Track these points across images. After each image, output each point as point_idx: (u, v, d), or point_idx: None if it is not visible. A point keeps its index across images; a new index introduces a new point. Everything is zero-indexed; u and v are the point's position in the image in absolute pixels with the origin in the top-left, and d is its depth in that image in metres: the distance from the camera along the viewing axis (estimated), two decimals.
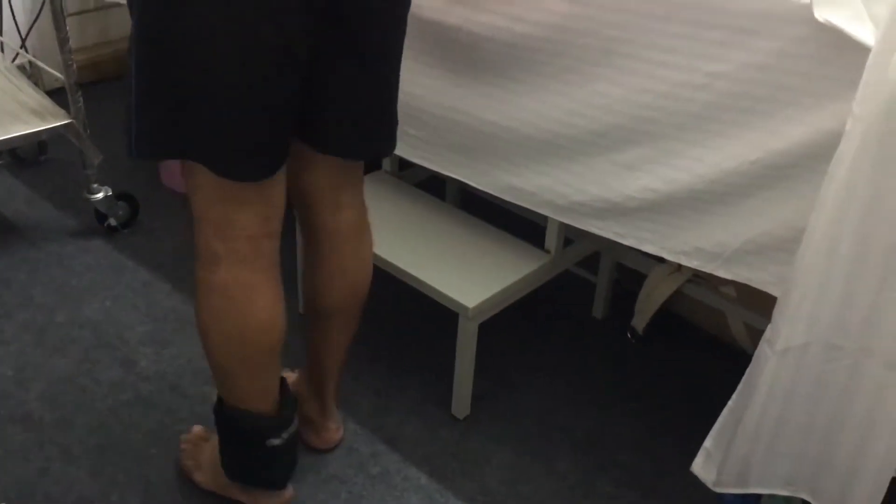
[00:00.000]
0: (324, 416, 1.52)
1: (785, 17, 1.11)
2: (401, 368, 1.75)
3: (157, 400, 1.63)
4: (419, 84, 1.52)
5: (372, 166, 1.87)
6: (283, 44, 1.05)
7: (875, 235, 1.08)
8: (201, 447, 1.47)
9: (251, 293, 1.20)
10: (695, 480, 1.31)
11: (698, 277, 1.75)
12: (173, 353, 1.74)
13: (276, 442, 1.29)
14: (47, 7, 1.84)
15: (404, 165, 1.88)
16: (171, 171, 2.25)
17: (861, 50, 1.03)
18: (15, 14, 2.27)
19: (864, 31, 1.05)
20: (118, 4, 2.41)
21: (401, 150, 1.64)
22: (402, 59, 1.26)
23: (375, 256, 1.41)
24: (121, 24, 2.77)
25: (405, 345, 1.82)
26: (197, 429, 1.51)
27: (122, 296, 1.89)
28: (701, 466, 1.31)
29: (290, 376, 1.56)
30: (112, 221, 2.07)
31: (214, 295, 1.20)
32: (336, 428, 1.55)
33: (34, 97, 2.01)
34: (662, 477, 1.54)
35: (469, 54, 1.44)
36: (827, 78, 1.11)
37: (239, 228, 1.16)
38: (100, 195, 2.03)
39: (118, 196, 2.06)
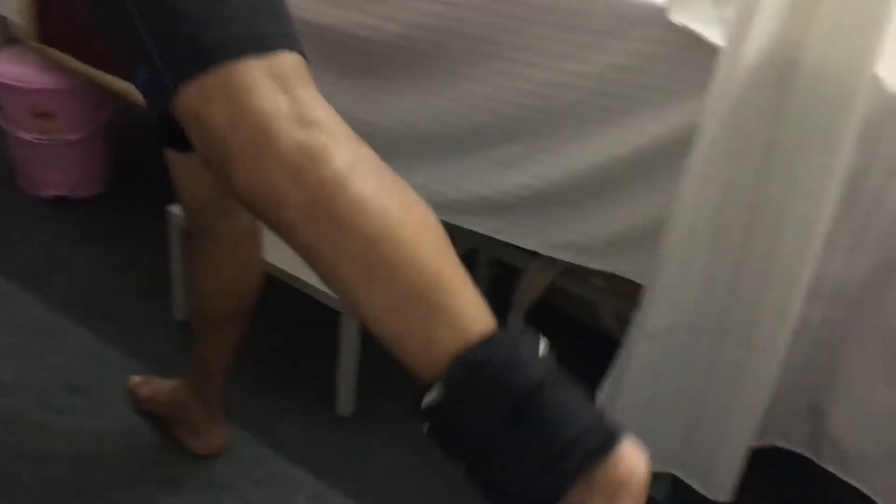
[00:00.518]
0: (207, 420, 1.50)
1: (642, 19, 1.18)
2: (285, 370, 1.74)
3: (22, 415, 1.55)
4: None
5: None
6: None
7: (729, 224, 1.17)
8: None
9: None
10: None
11: (570, 270, 1.82)
12: (38, 366, 1.66)
13: None
14: None
15: None
16: (29, 176, 2.14)
17: (712, 50, 1.11)
18: None
19: (714, 33, 1.13)
20: None
21: None
22: None
23: None
24: None
25: (288, 345, 1.81)
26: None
27: None
28: None
29: (167, 384, 1.53)
30: None
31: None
32: (219, 433, 1.52)
33: None
34: None
35: (342, 54, 1.45)
36: (682, 77, 1.19)
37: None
38: None
39: None
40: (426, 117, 1.42)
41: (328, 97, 1.65)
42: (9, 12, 2.00)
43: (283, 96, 0.74)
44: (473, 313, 0.71)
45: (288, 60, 0.77)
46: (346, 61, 1.45)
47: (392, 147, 1.49)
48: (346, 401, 1.63)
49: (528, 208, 1.40)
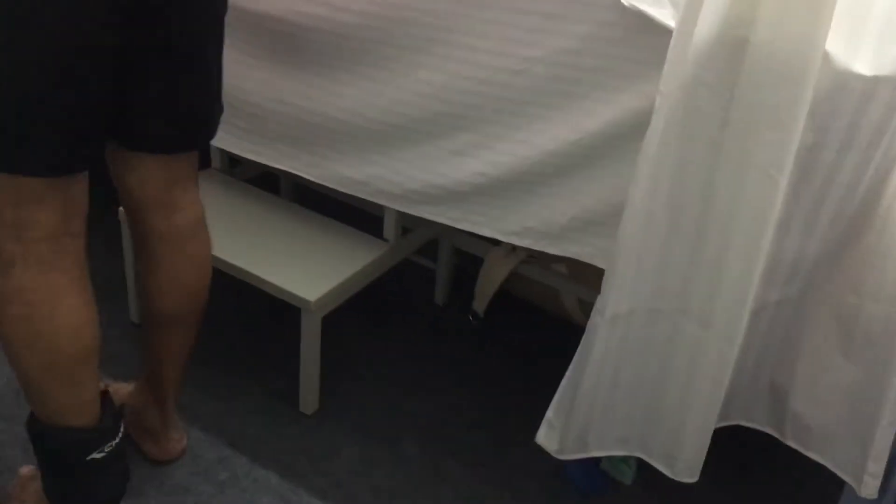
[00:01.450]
0: (165, 425, 1.46)
1: (593, 2, 1.17)
2: (246, 369, 1.71)
3: None
4: (245, 77, 1.48)
5: (201, 164, 1.81)
6: (79, 43, 1.00)
7: (685, 205, 1.16)
8: (28, 486, 1.36)
9: (54, 296, 1.12)
10: (540, 451, 1.36)
11: (532, 258, 1.81)
12: None
13: (97, 456, 1.21)
14: None
15: (234, 162, 1.83)
16: None
17: (664, 32, 1.10)
18: None
19: (664, 14, 1.13)
20: None
21: (230, 144, 1.60)
22: (230, 51, 1.22)
23: (212, 257, 1.37)
24: None
25: (248, 345, 1.78)
26: (25, 470, 1.39)
27: None
28: (544, 437, 1.37)
29: (125, 387, 1.49)
30: None
31: (14, 302, 1.12)
32: (178, 437, 1.49)
33: None
34: (508, 452, 1.59)
35: (294, 45, 1.43)
36: (634, 60, 1.18)
37: (37, 228, 1.09)
38: None
39: None
40: (377, 107, 1.40)
41: (279, 90, 1.64)
42: None
43: None
44: None
45: None
46: (295, 52, 1.43)
47: (344, 138, 1.47)
48: (308, 398, 1.61)
49: (484, 196, 1.38)
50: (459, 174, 1.38)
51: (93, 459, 1.22)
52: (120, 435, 1.26)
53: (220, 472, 1.48)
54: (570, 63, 1.21)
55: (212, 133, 1.26)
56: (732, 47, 1.06)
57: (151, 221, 1.26)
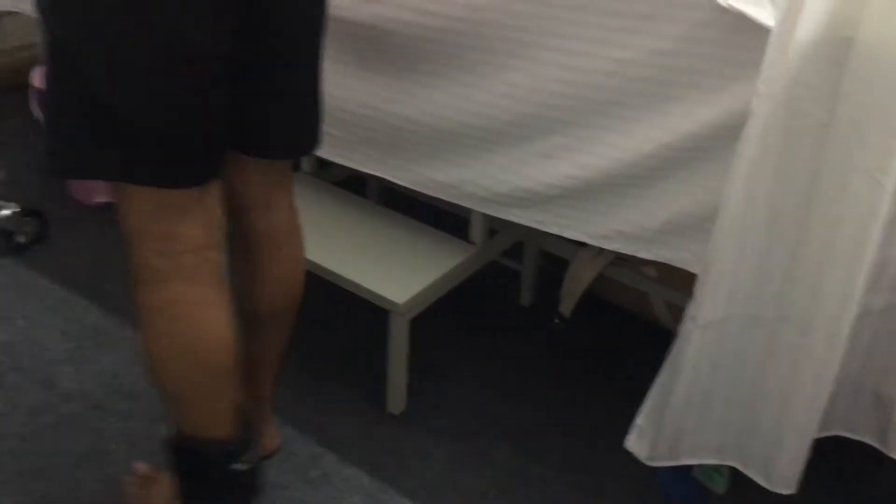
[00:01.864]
0: (261, 423, 1.50)
1: (687, 2, 1.15)
2: (335, 369, 1.74)
3: (81, 420, 1.58)
4: (338, 83, 1.51)
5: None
6: (208, 49, 1.03)
7: (784, 208, 1.13)
8: (151, 490, 1.39)
9: (202, 310, 1.13)
10: (629, 457, 1.34)
11: (620, 259, 1.79)
12: (96, 371, 1.69)
13: (239, 467, 1.23)
14: None
15: (323, 165, 1.87)
16: (81, 184, 2.17)
17: (762, 31, 1.07)
18: None
19: (763, 13, 1.09)
20: (12, 13, 2.30)
21: (322, 150, 1.63)
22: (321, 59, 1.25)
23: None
24: (16, 31, 2.66)
25: (337, 346, 1.81)
26: (141, 469, 1.43)
27: (36, 315, 1.82)
28: (634, 442, 1.35)
29: None
30: (20, 239, 1.99)
31: (161, 316, 1.13)
32: (273, 435, 1.53)
33: None
34: (597, 456, 1.57)
35: (384, 51, 1.44)
36: (731, 60, 1.15)
37: (182, 241, 1.10)
38: (6, 212, 1.95)
39: (26, 213, 1.99)
40: (468, 112, 1.40)
41: (369, 95, 1.66)
42: None
43: None
44: None
45: None
46: (385, 58, 1.44)
47: (433, 142, 1.48)
48: (396, 399, 1.63)
49: (573, 199, 1.37)
50: (549, 177, 1.37)
51: (235, 469, 1.23)
52: (258, 446, 1.29)
53: (312, 470, 1.51)
54: (664, 64, 1.19)
55: (320, 138, 1.28)
56: (837, 47, 1.02)
57: (252, 221, 1.29)
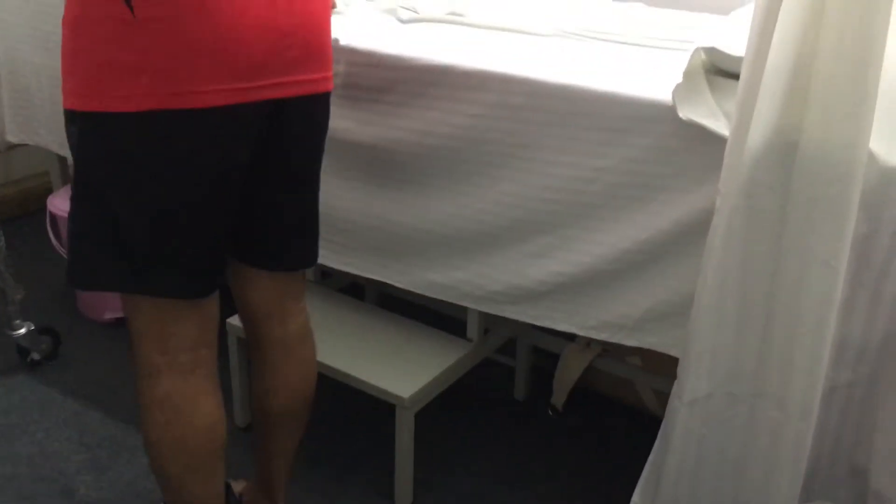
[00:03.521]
0: None
1: (653, 117, 1.31)
2: (344, 464, 1.81)
3: None
4: (343, 197, 1.65)
5: None
6: (222, 172, 1.17)
7: (752, 295, 1.26)
8: None
9: (194, 401, 1.27)
10: None
11: (606, 352, 1.91)
12: (112, 478, 1.75)
13: None
14: None
15: (325, 274, 1.99)
16: (89, 302, 2.28)
17: (719, 140, 1.23)
18: None
19: (719, 124, 1.26)
20: (22, 145, 2.46)
21: (327, 259, 1.76)
22: (328, 176, 1.39)
23: None
24: (24, 163, 2.81)
25: (346, 442, 1.89)
26: None
27: (53, 428, 1.90)
28: None
29: (240, 485, 1.61)
30: (35, 356, 2.08)
31: (158, 407, 1.26)
32: None
33: None
34: None
35: (385, 167, 1.60)
36: (696, 165, 1.31)
37: (179, 341, 1.24)
38: (22, 331, 2.05)
39: (41, 330, 2.08)
40: (463, 217, 1.54)
41: (372, 207, 1.81)
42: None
43: None
44: None
45: None
46: (386, 173, 1.59)
47: (432, 247, 1.61)
48: (404, 492, 1.70)
49: (562, 294, 1.50)
50: (539, 274, 1.50)
51: None
52: None
53: None
54: (637, 170, 1.35)
55: (316, 254, 1.42)
56: (784, 151, 1.18)
57: (267, 329, 1.41)
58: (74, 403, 1.98)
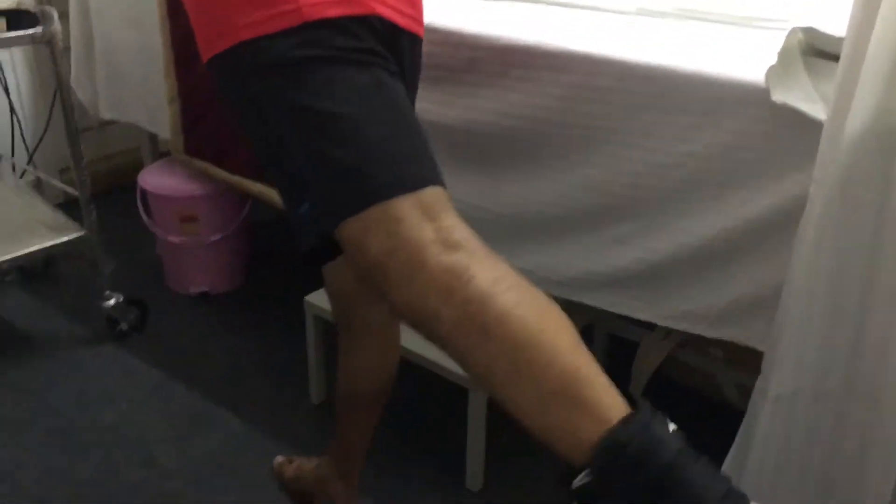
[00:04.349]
0: (348, 497, 1.58)
1: (744, 100, 1.26)
2: (416, 446, 1.82)
3: (181, 495, 1.69)
4: None
5: None
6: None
7: (846, 285, 1.20)
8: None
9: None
10: None
11: (687, 342, 1.85)
12: (192, 449, 1.80)
13: None
14: (52, 125, 1.96)
15: None
16: (176, 275, 2.34)
17: (815, 125, 1.17)
18: (24, 133, 2.39)
19: (816, 108, 1.20)
20: (115, 122, 2.54)
21: None
22: None
23: None
24: (116, 139, 2.90)
25: (420, 423, 1.89)
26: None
27: (138, 397, 1.96)
28: None
29: (310, 462, 1.63)
30: (123, 326, 2.15)
31: (449, 276, 0.97)
32: None
33: (46, 212, 2.12)
34: None
35: (463, 149, 1.58)
36: (788, 150, 1.25)
37: (444, 219, 0.99)
38: (112, 301, 2.12)
39: (129, 301, 2.15)
40: (542, 201, 1.51)
41: (454, 188, 1.78)
42: (160, 130, 2.25)
43: (429, 225, 0.91)
44: (609, 401, 0.85)
45: (431, 193, 0.95)
46: (468, 156, 1.58)
47: (511, 231, 1.59)
48: (474, 476, 1.70)
49: (642, 282, 1.46)
50: (619, 261, 1.46)
51: None
52: None
53: None
54: (726, 156, 1.29)
55: None
56: (885, 138, 1.11)
57: (357, 308, 1.41)
58: (159, 374, 2.03)
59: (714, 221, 1.34)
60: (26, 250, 1.96)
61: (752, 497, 1.31)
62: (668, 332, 1.85)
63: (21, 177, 2.42)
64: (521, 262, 1.60)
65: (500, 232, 1.60)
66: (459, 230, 0.95)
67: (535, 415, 0.88)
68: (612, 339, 1.99)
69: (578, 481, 0.82)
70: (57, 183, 2.20)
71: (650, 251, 1.43)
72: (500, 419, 1.67)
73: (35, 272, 2.42)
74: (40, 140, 2.42)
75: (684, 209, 1.36)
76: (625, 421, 0.83)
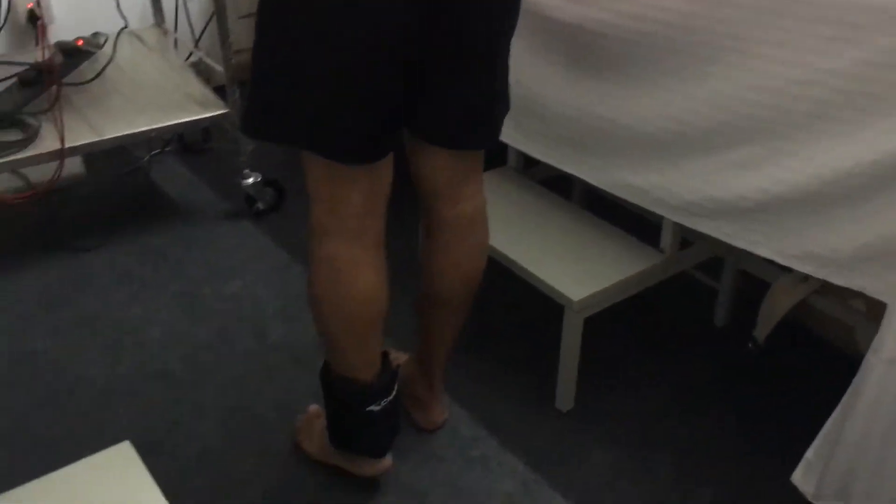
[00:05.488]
0: (431, 397, 1.59)
1: None
2: (509, 358, 1.79)
3: (281, 370, 1.76)
4: (539, 79, 1.55)
5: (497, 161, 1.92)
6: (390, 40, 1.12)
7: None
8: (314, 423, 1.57)
9: (356, 267, 1.28)
10: (796, 494, 1.27)
11: (827, 289, 1.67)
12: (301, 329, 1.86)
13: (374, 408, 1.37)
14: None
15: (529, 163, 1.92)
16: None
17: None
18: (190, 17, 2.49)
19: None
20: (244, 16, 2.57)
21: (521, 144, 1.68)
22: (527, 54, 1.29)
23: (490, 247, 1.46)
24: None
25: (514, 335, 1.86)
26: (313, 408, 1.60)
27: (262, 274, 2.04)
28: (801, 477, 1.27)
29: (402, 356, 1.64)
30: (260, 205, 2.23)
31: (323, 266, 1.29)
32: (441, 410, 1.61)
33: (200, 90, 2.21)
34: (762, 489, 1.49)
35: (588, 51, 1.47)
36: None
37: (348, 205, 1.24)
38: (250, 180, 2.20)
39: (266, 182, 2.22)
40: (664, 116, 1.39)
41: (572, 95, 1.69)
42: None
43: None
44: None
45: None
46: (589, 59, 1.47)
47: (630, 144, 1.48)
48: (565, 396, 1.64)
49: (764, 214, 1.31)
50: (740, 188, 1.32)
51: (370, 411, 1.37)
52: (394, 393, 1.40)
53: (473, 450, 1.57)
54: (872, 77, 1.11)
55: (494, 133, 1.34)
56: None
57: (439, 209, 1.37)
58: (285, 256, 2.11)
59: (850, 152, 1.17)
60: (172, 122, 2.06)
61: (850, 471, 1.17)
62: (806, 276, 1.68)
63: (187, 59, 2.53)
64: (639, 181, 1.49)
65: (618, 145, 1.49)
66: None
67: None
68: (743, 276, 1.84)
69: None
70: (215, 66, 2.27)
71: (775, 181, 1.27)
72: (600, 344, 1.61)
73: (194, 146, 2.56)
74: (206, 25, 2.51)
75: (817, 136, 1.20)
76: None
